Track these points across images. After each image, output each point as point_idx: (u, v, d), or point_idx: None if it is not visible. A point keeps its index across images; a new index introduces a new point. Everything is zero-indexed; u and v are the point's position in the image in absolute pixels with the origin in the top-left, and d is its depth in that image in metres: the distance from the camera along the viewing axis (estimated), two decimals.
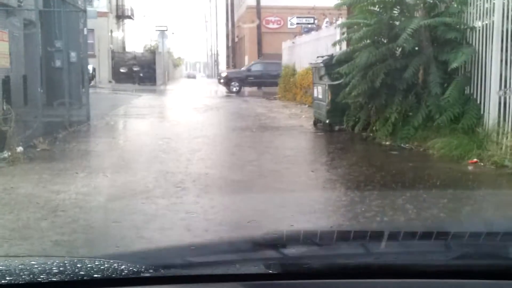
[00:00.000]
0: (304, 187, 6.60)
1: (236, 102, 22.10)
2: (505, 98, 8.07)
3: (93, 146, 9.97)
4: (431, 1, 9.84)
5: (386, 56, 9.81)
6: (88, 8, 15.18)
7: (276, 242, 1.81)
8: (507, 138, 7.73)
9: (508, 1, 8.03)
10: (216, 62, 64.55)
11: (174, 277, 1.51)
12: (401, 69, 9.51)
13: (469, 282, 1.52)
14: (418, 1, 9.85)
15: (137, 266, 1.54)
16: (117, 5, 42.27)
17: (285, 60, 24.56)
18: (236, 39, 43.18)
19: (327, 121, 11.70)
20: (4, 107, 8.93)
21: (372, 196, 5.90)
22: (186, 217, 5.06)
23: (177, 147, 9.46)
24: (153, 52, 39.97)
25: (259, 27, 32.22)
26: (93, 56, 31.20)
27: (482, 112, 8.62)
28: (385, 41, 10.20)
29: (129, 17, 45.31)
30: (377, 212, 5.18)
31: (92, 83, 26.87)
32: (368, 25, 10.11)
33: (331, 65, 11.34)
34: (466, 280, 1.52)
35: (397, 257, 1.59)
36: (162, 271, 1.52)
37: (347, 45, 11.77)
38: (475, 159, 7.67)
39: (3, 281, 1.44)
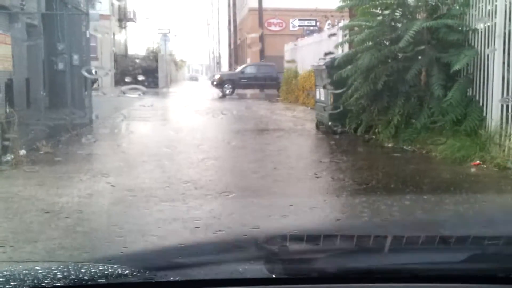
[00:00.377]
0: (308, 190, 6.59)
1: (238, 104, 22.11)
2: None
3: (95, 149, 9.97)
4: (433, 3, 9.83)
5: (388, 58, 9.81)
6: (91, 11, 15.18)
7: (280, 246, 1.81)
8: (509, 140, 7.71)
9: (510, 3, 8.03)
10: (219, 65, 64.56)
11: (178, 282, 1.51)
12: (403, 71, 9.51)
13: (473, 286, 1.52)
14: (420, 3, 9.85)
15: (141, 271, 1.55)
16: (119, 8, 42.32)
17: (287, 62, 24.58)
18: (238, 42, 43.19)
19: (330, 124, 11.69)
20: (7, 110, 8.95)
21: (375, 198, 5.90)
22: (191, 220, 5.06)
23: (181, 151, 9.45)
24: (155, 55, 40.00)
25: (261, 28, 32.22)
26: (96, 59, 31.22)
27: (484, 114, 8.61)
28: (387, 43, 10.20)
29: (131, 20, 45.35)
30: (381, 215, 5.17)
31: (95, 86, 26.89)
32: (370, 27, 10.12)
33: (333, 67, 11.34)
34: (470, 284, 1.52)
35: (400, 261, 1.59)
36: (166, 275, 1.53)
37: (349, 47, 11.77)
38: (477, 161, 7.65)
39: (7, 286, 1.45)
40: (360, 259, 1.72)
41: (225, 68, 53.45)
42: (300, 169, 7.93)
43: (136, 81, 37.17)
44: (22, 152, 8.16)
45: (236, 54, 43.59)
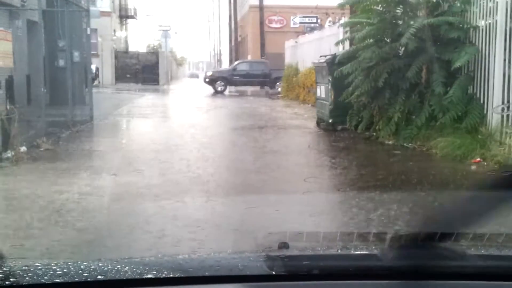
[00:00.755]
0: (308, 187, 6.59)
1: (239, 101, 22.10)
2: (508, 97, 8.06)
3: (96, 146, 9.98)
4: (434, 0, 9.82)
5: (389, 56, 9.80)
6: (91, 8, 15.18)
7: (279, 243, 1.81)
8: (510, 137, 7.71)
9: (511, 0, 8.02)
10: (219, 62, 64.54)
11: (177, 278, 1.51)
12: (404, 69, 9.50)
13: (473, 283, 1.52)
14: (421, 0, 9.83)
15: (140, 267, 1.55)
16: (120, 4, 42.30)
17: (288, 59, 24.56)
18: (239, 39, 43.17)
19: (330, 121, 11.68)
20: (8, 107, 8.95)
21: (375, 195, 5.90)
22: (190, 217, 5.07)
23: (183, 147, 9.45)
24: (156, 51, 40.00)
25: (262, 26, 32.21)
26: (96, 55, 31.22)
27: (485, 111, 8.61)
28: (388, 40, 10.19)
29: (132, 16, 45.33)
30: (380, 212, 5.17)
31: (96, 82, 26.91)
32: (371, 25, 10.11)
33: (334, 65, 11.33)
34: (469, 281, 1.52)
35: (400, 258, 1.59)
36: (165, 272, 1.52)
37: (350, 44, 11.76)
38: (478, 159, 7.65)
39: (6, 283, 1.45)
40: (360, 256, 1.72)
41: (226, 65, 53.41)
42: (300, 167, 7.93)
43: (136, 78, 37.20)
44: (23, 148, 8.17)
45: (237, 51, 43.56)
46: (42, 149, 8.64)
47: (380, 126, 10.12)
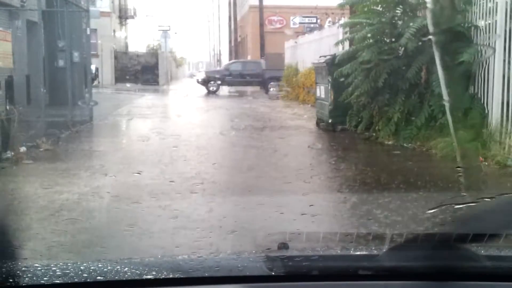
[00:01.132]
0: (308, 188, 6.59)
1: (238, 102, 22.10)
2: (508, 98, 8.06)
3: (96, 146, 9.98)
4: None
5: (388, 56, 9.80)
6: (91, 8, 15.18)
7: (279, 244, 1.81)
8: (510, 138, 7.71)
9: (511, 1, 8.02)
10: (219, 62, 64.50)
11: (176, 279, 1.51)
12: (404, 69, 9.50)
13: (472, 284, 1.52)
14: (420, 1, 9.83)
15: (140, 268, 1.55)
16: (119, 5, 42.28)
17: (288, 59, 24.56)
18: (239, 39, 43.15)
19: (330, 121, 11.68)
20: (7, 107, 8.95)
21: (374, 196, 5.90)
22: (190, 217, 5.07)
23: (182, 148, 9.44)
24: (155, 52, 39.97)
25: (261, 26, 32.21)
26: (96, 56, 31.21)
27: (485, 111, 8.60)
28: (387, 41, 10.19)
29: (131, 17, 45.31)
30: (380, 213, 5.17)
31: (95, 83, 26.89)
32: (371, 25, 10.10)
33: (333, 65, 11.32)
34: (469, 282, 1.52)
35: (399, 259, 1.59)
36: (164, 273, 1.53)
37: (350, 44, 11.76)
38: None
39: (6, 284, 1.45)
40: (360, 257, 1.72)
41: None
42: (299, 167, 7.92)
43: (136, 78, 37.18)
44: (23, 149, 8.16)
45: (236, 51, 43.55)
46: (41, 149, 8.64)
47: (379, 127, 10.12)
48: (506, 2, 8.09)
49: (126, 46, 45.55)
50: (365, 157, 8.93)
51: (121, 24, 43.40)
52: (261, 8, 32.21)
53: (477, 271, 1.56)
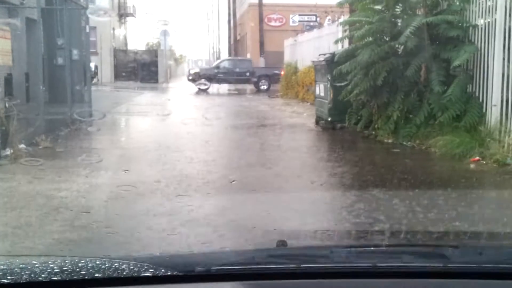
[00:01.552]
0: (307, 185, 6.59)
1: (237, 100, 22.09)
2: (507, 96, 8.06)
3: (95, 143, 9.97)
4: None
5: (388, 54, 9.80)
6: (90, 6, 15.15)
7: (278, 241, 1.82)
8: (509, 136, 7.71)
9: None
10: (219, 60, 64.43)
11: (174, 276, 1.51)
12: (403, 67, 9.50)
13: (469, 281, 1.52)
14: None
15: (138, 265, 1.55)
16: (119, 2, 42.23)
17: (287, 57, 24.54)
18: (238, 37, 43.10)
19: (329, 119, 11.68)
20: (7, 105, 8.94)
21: (373, 194, 5.90)
22: (189, 214, 5.06)
23: (181, 146, 9.44)
24: (155, 50, 39.92)
25: (261, 24, 32.18)
26: (95, 53, 31.17)
27: (484, 110, 8.61)
28: (387, 39, 10.18)
29: (131, 14, 45.25)
30: (378, 211, 5.18)
31: (94, 80, 26.86)
32: (370, 23, 10.10)
33: (333, 63, 11.32)
34: (466, 280, 1.52)
35: (397, 257, 1.59)
36: (162, 270, 1.52)
37: (349, 43, 11.76)
38: (477, 157, 7.65)
39: (4, 281, 1.44)
40: (358, 255, 1.72)
41: None
42: (299, 165, 7.93)
43: (135, 76, 37.14)
44: (22, 146, 8.16)
45: (236, 49, 43.52)
46: (41, 147, 8.64)
47: (379, 125, 10.13)
48: (506, 1, 8.08)
49: (126, 44, 45.50)
50: (364, 155, 8.93)
51: (120, 22, 43.35)
52: (260, 6, 32.17)
53: (476, 269, 1.56)
